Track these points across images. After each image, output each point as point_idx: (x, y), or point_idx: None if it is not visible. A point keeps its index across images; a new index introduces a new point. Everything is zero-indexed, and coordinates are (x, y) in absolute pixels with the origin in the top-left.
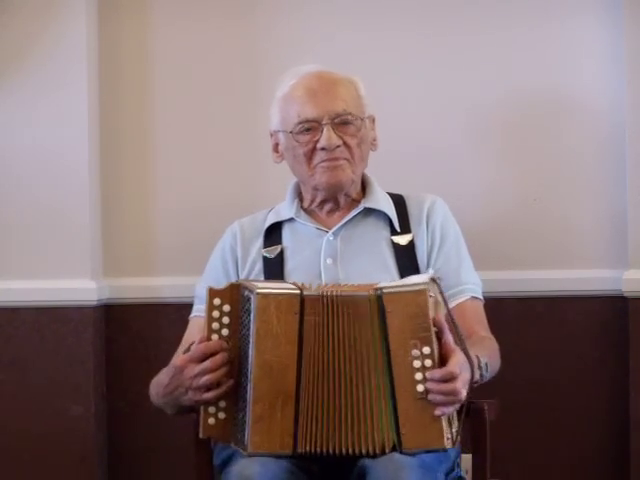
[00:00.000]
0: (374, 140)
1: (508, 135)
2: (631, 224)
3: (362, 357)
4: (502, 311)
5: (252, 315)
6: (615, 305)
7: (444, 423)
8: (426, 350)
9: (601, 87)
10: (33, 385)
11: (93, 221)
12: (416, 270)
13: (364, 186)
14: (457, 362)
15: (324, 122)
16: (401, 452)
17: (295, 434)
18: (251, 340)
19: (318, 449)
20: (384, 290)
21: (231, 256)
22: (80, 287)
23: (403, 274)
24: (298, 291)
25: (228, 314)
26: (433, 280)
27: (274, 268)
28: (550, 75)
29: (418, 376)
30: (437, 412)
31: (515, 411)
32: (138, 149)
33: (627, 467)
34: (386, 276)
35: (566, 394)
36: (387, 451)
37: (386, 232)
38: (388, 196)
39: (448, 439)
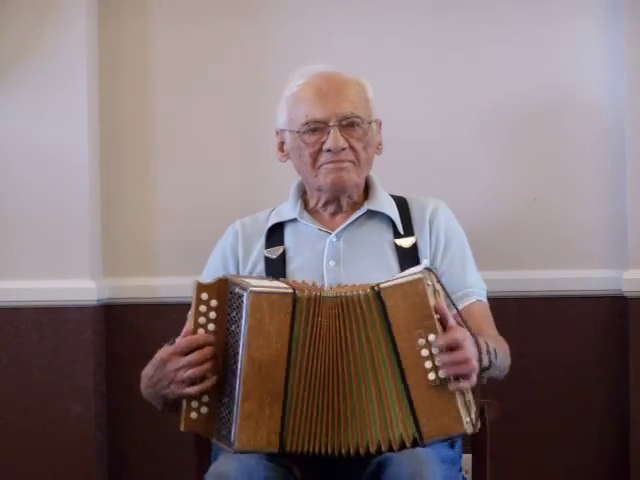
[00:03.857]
0: (379, 144)
1: (508, 136)
2: (631, 224)
3: (366, 356)
4: (502, 311)
5: (244, 312)
6: (615, 305)
7: (460, 406)
8: (432, 337)
9: (601, 88)
10: (33, 385)
11: (93, 221)
12: None
13: (367, 188)
14: (461, 331)
15: (331, 124)
16: (423, 445)
17: (282, 433)
18: (242, 337)
19: (311, 449)
20: (381, 286)
21: (232, 255)
22: (80, 287)
23: None
24: (291, 290)
25: (215, 309)
26: (428, 269)
27: (276, 269)
28: (551, 76)
29: (428, 364)
30: (451, 387)
31: (515, 411)
32: (138, 149)
33: (627, 467)
34: None
35: (566, 394)
36: (408, 445)
37: (389, 235)
38: (391, 198)
39: (467, 422)
